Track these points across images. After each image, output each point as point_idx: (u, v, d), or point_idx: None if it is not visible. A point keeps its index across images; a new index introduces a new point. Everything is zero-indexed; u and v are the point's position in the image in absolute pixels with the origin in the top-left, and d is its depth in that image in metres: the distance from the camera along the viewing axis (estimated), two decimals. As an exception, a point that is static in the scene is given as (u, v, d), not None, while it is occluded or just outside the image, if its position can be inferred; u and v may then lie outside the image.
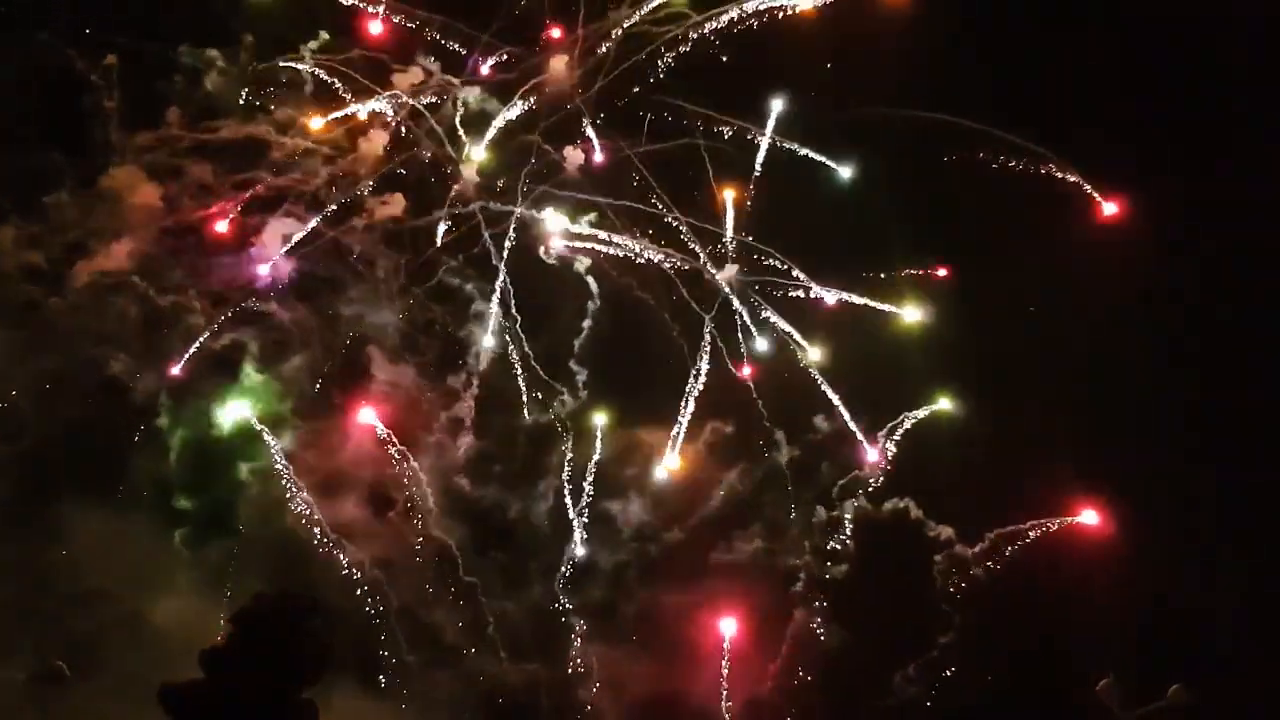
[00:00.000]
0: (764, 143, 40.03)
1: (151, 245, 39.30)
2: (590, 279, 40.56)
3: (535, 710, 38.15)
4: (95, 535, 35.93)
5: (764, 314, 40.40)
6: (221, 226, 39.37)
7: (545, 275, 40.41)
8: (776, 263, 40.14)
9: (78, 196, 39.25)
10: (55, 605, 34.74)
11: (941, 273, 40.87)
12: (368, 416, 38.75)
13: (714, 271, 39.91)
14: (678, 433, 39.73)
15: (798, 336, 40.45)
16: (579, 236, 40.16)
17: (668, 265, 39.79)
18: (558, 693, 38.43)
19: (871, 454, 39.86)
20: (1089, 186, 39.28)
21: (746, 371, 40.36)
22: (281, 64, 40.40)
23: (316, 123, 40.17)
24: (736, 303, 39.94)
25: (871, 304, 40.31)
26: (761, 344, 40.47)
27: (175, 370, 38.27)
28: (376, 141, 40.26)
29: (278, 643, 23.44)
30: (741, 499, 40.31)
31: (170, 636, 34.55)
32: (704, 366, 39.96)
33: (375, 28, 40.29)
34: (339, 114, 40.31)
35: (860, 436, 39.91)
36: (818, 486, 40.22)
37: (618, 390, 40.36)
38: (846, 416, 39.92)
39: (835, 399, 39.96)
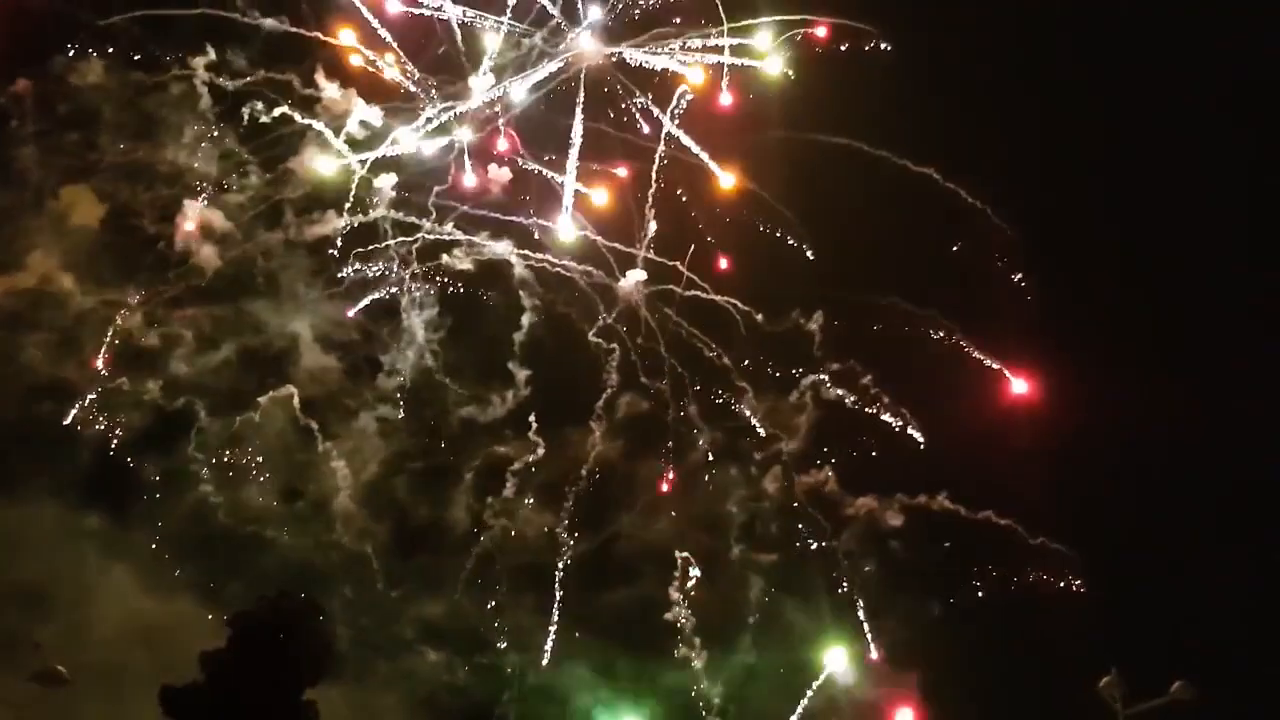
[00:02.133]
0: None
1: (78, 254, 39.90)
2: (523, 279, 41.63)
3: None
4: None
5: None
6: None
7: (475, 286, 41.83)
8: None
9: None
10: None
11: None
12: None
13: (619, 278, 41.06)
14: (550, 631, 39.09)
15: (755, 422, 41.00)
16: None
17: (582, 280, 41.17)
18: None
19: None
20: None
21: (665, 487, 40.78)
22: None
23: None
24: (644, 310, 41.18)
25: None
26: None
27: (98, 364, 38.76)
28: (308, 161, 41.35)
29: (278, 645, 23.43)
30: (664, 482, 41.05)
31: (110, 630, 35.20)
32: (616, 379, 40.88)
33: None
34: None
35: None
36: (739, 463, 41.20)
37: (546, 393, 41.23)
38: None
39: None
